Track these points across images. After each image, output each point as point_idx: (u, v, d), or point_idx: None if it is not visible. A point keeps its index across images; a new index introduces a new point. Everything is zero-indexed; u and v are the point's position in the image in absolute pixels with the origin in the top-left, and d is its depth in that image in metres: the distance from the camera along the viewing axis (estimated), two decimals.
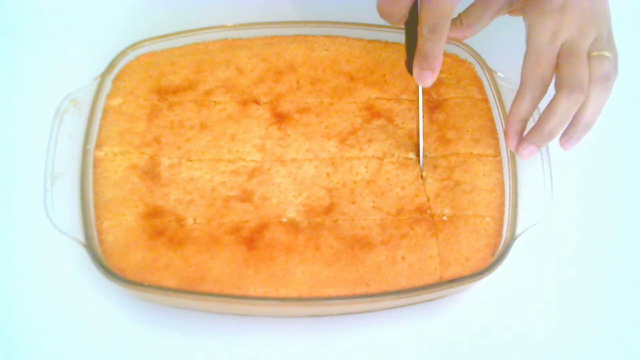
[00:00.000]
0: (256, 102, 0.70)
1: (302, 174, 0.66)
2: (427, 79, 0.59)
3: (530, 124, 0.63)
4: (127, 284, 0.59)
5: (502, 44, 0.72)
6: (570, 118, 0.61)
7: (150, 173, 0.66)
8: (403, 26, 0.58)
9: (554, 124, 0.60)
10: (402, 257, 0.62)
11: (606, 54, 0.61)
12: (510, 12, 0.67)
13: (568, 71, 0.60)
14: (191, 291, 0.60)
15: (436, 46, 0.56)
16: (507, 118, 0.63)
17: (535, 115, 0.63)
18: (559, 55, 0.61)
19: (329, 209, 0.65)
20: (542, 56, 0.61)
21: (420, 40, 0.57)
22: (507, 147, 0.65)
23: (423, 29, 0.55)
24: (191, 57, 0.72)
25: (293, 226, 0.64)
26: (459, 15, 0.67)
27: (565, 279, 0.68)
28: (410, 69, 0.60)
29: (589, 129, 0.62)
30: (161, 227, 0.63)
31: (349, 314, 0.65)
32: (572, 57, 0.60)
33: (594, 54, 0.61)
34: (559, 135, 0.62)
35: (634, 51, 0.78)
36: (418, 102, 0.64)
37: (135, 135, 0.67)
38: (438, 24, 0.54)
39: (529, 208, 0.64)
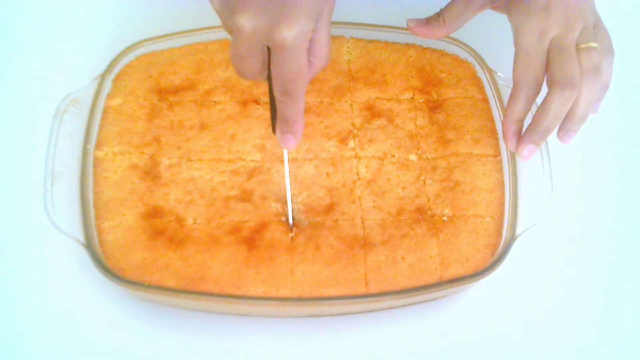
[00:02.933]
0: (256, 101, 0.70)
1: (302, 173, 0.66)
2: (289, 142, 0.57)
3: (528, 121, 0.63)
4: (127, 284, 0.60)
5: (502, 44, 0.71)
6: (565, 114, 0.61)
7: (150, 173, 0.66)
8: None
9: (549, 122, 0.60)
10: (402, 257, 0.62)
11: (593, 44, 0.61)
12: (494, 8, 0.67)
13: (558, 68, 0.60)
14: (191, 291, 0.60)
15: (292, 109, 0.55)
16: (503, 120, 0.63)
17: (533, 109, 0.63)
18: (548, 53, 0.61)
19: (329, 209, 0.65)
20: (532, 56, 0.61)
21: (277, 103, 0.55)
22: (506, 148, 0.65)
23: (275, 92, 0.54)
24: (191, 57, 0.72)
25: (293, 226, 0.64)
26: (441, 11, 0.67)
27: (565, 279, 0.68)
28: (274, 130, 0.57)
29: (584, 120, 0.62)
30: (161, 227, 0.63)
31: (349, 314, 0.65)
32: (562, 53, 0.60)
33: (582, 46, 0.61)
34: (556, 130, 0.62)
35: (634, 51, 0.79)
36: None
37: (135, 135, 0.67)
38: (289, 88, 0.53)
39: (529, 208, 0.64)
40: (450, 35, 0.69)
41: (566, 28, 0.61)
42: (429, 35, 0.68)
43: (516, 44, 0.62)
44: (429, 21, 0.68)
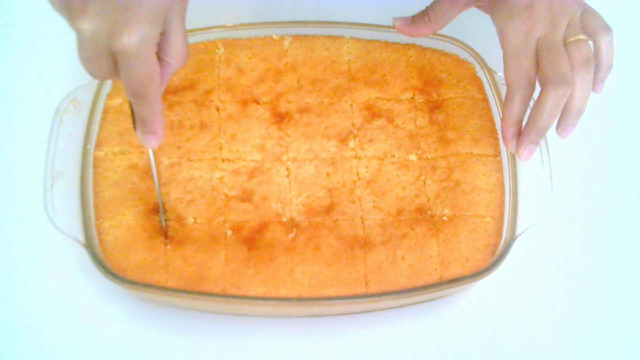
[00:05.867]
0: (256, 101, 0.70)
1: (302, 173, 0.66)
2: (150, 142, 0.57)
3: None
4: (127, 284, 0.60)
5: None
6: (560, 110, 0.61)
7: (150, 173, 0.66)
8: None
9: (545, 120, 0.60)
10: (402, 257, 0.62)
11: (581, 37, 0.60)
12: (478, 7, 0.67)
13: (549, 67, 0.59)
14: (191, 291, 0.60)
15: (147, 111, 0.54)
16: (502, 123, 0.63)
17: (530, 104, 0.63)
18: (537, 52, 0.61)
19: (329, 209, 0.65)
20: (521, 57, 0.61)
21: (132, 105, 0.55)
22: (506, 149, 0.65)
23: (127, 94, 0.53)
24: (191, 57, 0.72)
25: (293, 226, 0.64)
26: (426, 9, 0.67)
27: (565, 279, 0.68)
28: (135, 129, 0.58)
29: (582, 114, 0.61)
30: (161, 226, 0.63)
31: (349, 314, 0.65)
32: (551, 51, 0.60)
33: (570, 40, 0.60)
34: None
35: (634, 50, 0.79)
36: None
37: (135, 135, 0.67)
38: (139, 91, 0.52)
39: (529, 208, 0.64)
40: (437, 32, 0.68)
41: (552, 25, 0.61)
42: (414, 34, 0.68)
43: (502, 46, 0.62)
44: (414, 20, 0.68)
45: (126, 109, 0.68)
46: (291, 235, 0.63)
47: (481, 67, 0.72)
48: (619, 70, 0.64)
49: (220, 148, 0.67)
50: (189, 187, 0.65)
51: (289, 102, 0.70)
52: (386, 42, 0.74)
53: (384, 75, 0.72)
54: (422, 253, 0.63)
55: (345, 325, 0.64)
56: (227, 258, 0.62)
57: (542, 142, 0.64)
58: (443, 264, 0.62)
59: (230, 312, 0.64)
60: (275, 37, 0.73)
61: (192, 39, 0.73)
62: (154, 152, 0.64)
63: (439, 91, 0.71)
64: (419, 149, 0.68)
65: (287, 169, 0.67)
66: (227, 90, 0.70)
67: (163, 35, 0.52)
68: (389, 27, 0.71)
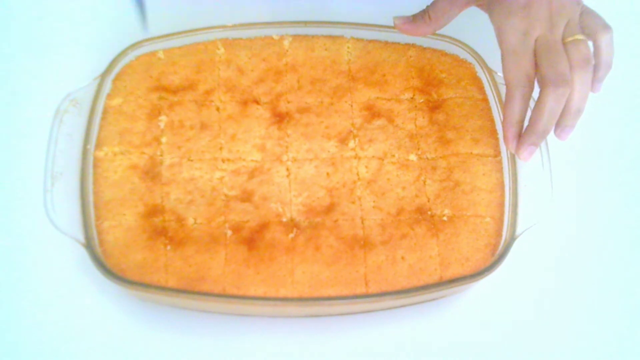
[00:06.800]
0: (256, 102, 0.70)
1: (302, 173, 0.66)
2: None
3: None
4: (127, 284, 0.60)
5: None
6: (560, 111, 0.61)
7: (150, 173, 0.66)
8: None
9: (545, 121, 0.60)
10: (402, 257, 0.63)
11: (579, 36, 0.60)
12: (478, 6, 0.67)
13: (548, 67, 0.59)
14: (191, 291, 0.60)
15: None
16: (503, 123, 0.63)
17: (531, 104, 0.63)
18: (535, 52, 0.61)
19: (329, 209, 0.65)
20: (519, 56, 0.61)
21: None
22: (507, 149, 0.65)
23: None
24: (191, 57, 0.72)
25: (293, 226, 0.64)
26: (427, 8, 0.67)
27: (565, 279, 0.68)
28: None
29: (580, 114, 0.61)
30: (161, 227, 0.63)
31: (349, 314, 0.65)
32: (549, 51, 0.60)
33: (568, 39, 0.60)
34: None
35: (634, 50, 0.79)
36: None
37: (135, 135, 0.67)
38: None
39: (529, 208, 0.64)
40: (437, 32, 0.69)
41: (550, 25, 0.61)
42: (415, 33, 0.68)
43: (500, 45, 0.62)
44: (415, 18, 0.68)
45: (126, 108, 0.68)
46: (291, 235, 0.63)
47: (481, 67, 0.71)
48: (619, 70, 0.64)
49: (221, 148, 0.67)
50: (189, 188, 0.65)
51: (289, 102, 0.70)
52: (386, 42, 0.74)
53: (384, 75, 0.72)
54: (422, 253, 0.63)
55: (345, 325, 0.64)
56: (227, 258, 0.62)
57: (542, 143, 0.64)
58: (443, 264, 0.62)
59: (230, 312, 0.64)
60: (275, 37, 0.73)
61: (192, 39, 0.73)
62: None
63: (439, 91, 0.71)
64: (419, 149, 0.68)
65: (287, 169, 0.67)
66: (227, 90, 0.70)
67: None
68: (389, 27, 0.71)
